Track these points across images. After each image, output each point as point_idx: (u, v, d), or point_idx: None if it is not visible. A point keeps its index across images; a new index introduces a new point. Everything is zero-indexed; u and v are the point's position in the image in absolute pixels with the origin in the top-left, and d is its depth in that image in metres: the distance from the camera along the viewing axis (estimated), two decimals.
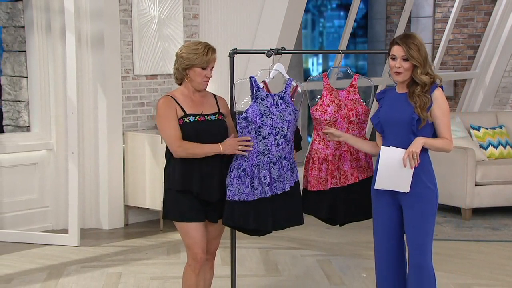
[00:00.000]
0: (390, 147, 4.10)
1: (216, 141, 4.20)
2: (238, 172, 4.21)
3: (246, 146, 4.20)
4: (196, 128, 4.17)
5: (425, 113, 4.03)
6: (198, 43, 4.23)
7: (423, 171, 4.10)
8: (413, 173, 4.06)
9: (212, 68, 4.22)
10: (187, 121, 4.17)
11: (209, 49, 4.17)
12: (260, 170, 4.23)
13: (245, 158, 4.23)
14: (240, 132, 4.25)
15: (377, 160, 4.21)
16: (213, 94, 4.36)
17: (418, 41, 4.05)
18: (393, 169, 4.08)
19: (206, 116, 4.22)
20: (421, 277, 4.11)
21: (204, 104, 4.26)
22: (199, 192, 4.17)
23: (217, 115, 4.26)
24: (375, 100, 4.37)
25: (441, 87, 4.12)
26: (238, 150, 4.18)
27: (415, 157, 4.02)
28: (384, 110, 4.16)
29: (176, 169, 4.18)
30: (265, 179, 4.24)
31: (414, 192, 4.09)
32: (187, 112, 4.18)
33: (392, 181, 4.10)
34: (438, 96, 4.08)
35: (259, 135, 4.24)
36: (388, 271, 4.25)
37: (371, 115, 4.41)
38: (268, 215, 4.26)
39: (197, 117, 4.19)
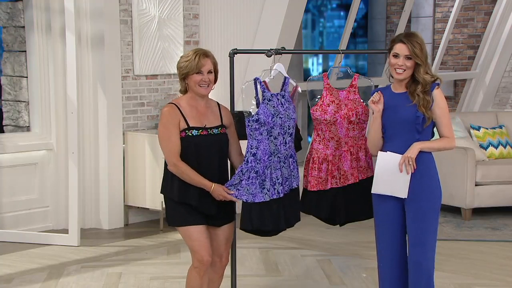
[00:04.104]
0: (388, 152, 4.11)
1: (215, 155, 4.21)
2: (250, 174, 4.21)
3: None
4: (197, 144, 4.15)
5: (429, 112, 4.05)
6: (192, 50, 4.22)
7: (426, 170, 4.11)
8: (417, 172, 4.06)
9: (211, 71, 4.19)
10: (190, 134, 4.15)
11: (198, 55, 4.15)
12: (273, 171, 4.25)
13: (257, 160, 4.22)
14: (250, 134, 4.23)
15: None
16: (218, 103, 4.35)
17: (420, 40, 4.07)
18: (390, 174, 4.09)
19: (209, 130, 4.20)
20: (419, 274, 4.11)
21: (208, 115, 4.24)
22: (198, 206, 4.17)
23: (220, 128, 4.25)
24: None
25: (438, 85, 4.14)
26: (220, 199, 4.18)
27: (410, 163, 4.03)
28: (384, 110, 4.15)
29: (174, 181, 4.18)
30: (278, 179, 4.26)
31: (418, 191, 4.09)
32: (191, 125, 4.16)
33: (389, 186, 4.11)
34: (438, 95, 4.10)
35: (271, 135, 4.25)
36: (392, 272, 4.24)
37: (370, 115, 4.40)
38: (281, 214, 4.29)
39: (200, 130, 4.17)
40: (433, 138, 4.19)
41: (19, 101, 7.24)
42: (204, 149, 4.17)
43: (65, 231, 6.80)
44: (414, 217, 4.11)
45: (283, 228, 4.36)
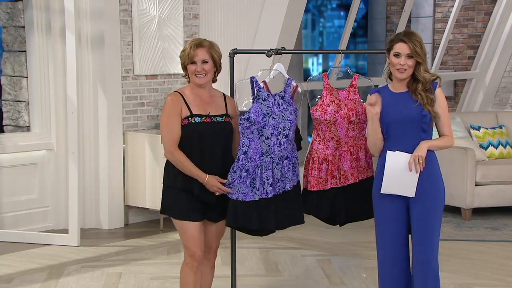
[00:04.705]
0: (396, 151, 4.09)
1: (219, 143, 4.21)
2: (240, 172, 4.21)
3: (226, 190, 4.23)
4: (200, 131, 4.16)
5: (435, 110, 4.08)
6: (190, 40, 4.29)
7: (431, 169, 4.11)
8: (423, 171, 4.06)
9: (206, 61, 4.19)
10: (193, 121, 4.17)
11: (191, 45, 4.19)
12: (263, 171, 4.24)
13: (248, 159, 4.23)
14: (242, 132, 4.25)
15: (379, 162, 4.20)
16: (223, 94, 4.36)
17: (420, 38, 4.08)
18: (399, 174, 4.08)
19: (212, 118, 4.21)
20: (426, 273, 4.10)
21: (212, 104, 4.26)
22: (199, 194, 4.18)
23: (224, 117, 4.25)
24: None
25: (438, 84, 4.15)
26: (215, 192, 4.19)
27: (421, 161, 4.03)
28: (387, 110, 4.13)
29: (177, 169, 4.20)
30: (268, 180, 4.24)
31: (423, 190, 4.09)
32: (194, 112, 4.18)
33: (398, 185, 4.09)
34: (439, 94, 4.13)
35: (262, 135, 4.25)
36: (394, 272, 4.21)
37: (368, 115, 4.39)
38: (271, 215, 4.27)
39: (204, 118, 4.19)
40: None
41: (19, 101, 7.24)
42: (207, 136, 4.18)
43: (65, 231, 6.80)
44: (419, 216, 4.10)
45: (272, 229, 4.33)
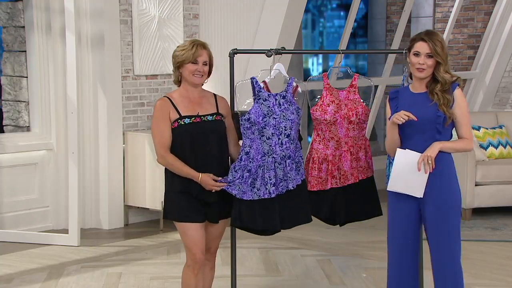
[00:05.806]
0: (406, 150, 4.03)
1: (212, 143, 4.20)
2: (243, 172, 4.21)
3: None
4: (191, 131, 4.16)
5: (450, 111, 3.99)
6: (189, 40, 4.26)
7: (446, 170, 4.03)
8: (436, 172, 3.98)
9: (206, 63, 4.19)
10: (182, 123, 4.16)
11: (196, 45, 4.17)
12: (265, 171, 4.24)
13: (250, 159, 4.23)
14: (244, 133, 4.26)
15: (388, 161, 4.18)
16: (214, 94, 4.36)
17: (441, 38, 4.02)
18: (407, 173, 4.01)
19: (202, 117, 4.20)
20: (443, 274, 4.02)
21: (202, 104, 4.25)
22: (198, 194, 4.18)
23: (214, 116, 4.24)
24: (375, 100, 4.34)
25: (458, 85, 4.08)
26: (210, 189, 4.18)
27: (430, 162, 3.95)
28: (403, 110, 4.07)
29: (173, 172, 4.19)
30: (270, 179, 4.24)
31: (436, 191, 4.01)
32: (182, 114, 4.17)
33: (406, 184, 4.03)
34: (458, 95, 4.03)
35: (263, 135, 4.24)
36: (401, 274, 4.17)
37: (371, 115, 4.39)
38: (275, 214, 4.26)
39: (193, 118, 4.18)
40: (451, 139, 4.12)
41: (19, 101, 7.24)
42: (200, 136, 4.17)
43: (65, 231, 6.80)
44: (433, 219, 4.03)
45: (277, 229, 4.33)
